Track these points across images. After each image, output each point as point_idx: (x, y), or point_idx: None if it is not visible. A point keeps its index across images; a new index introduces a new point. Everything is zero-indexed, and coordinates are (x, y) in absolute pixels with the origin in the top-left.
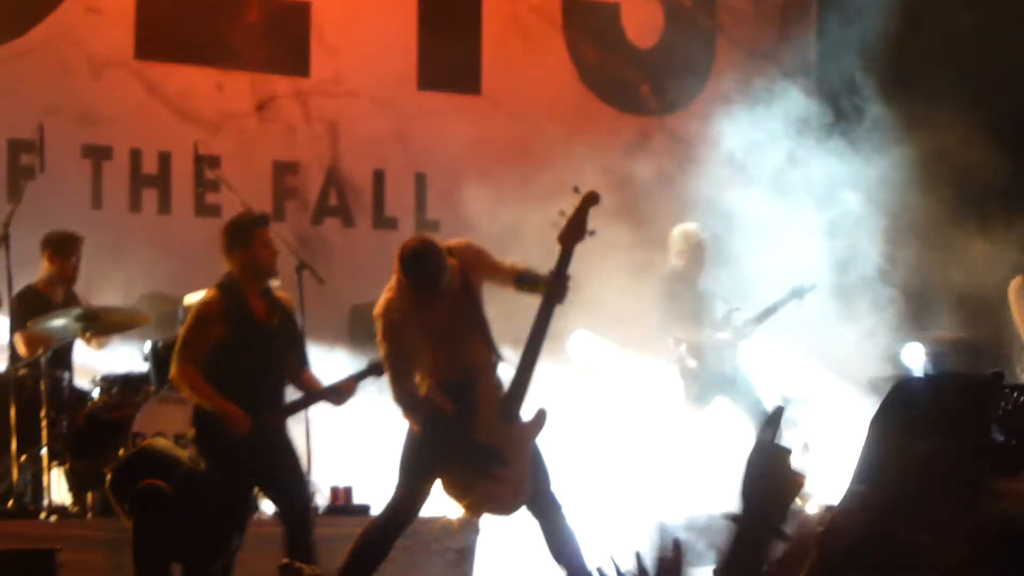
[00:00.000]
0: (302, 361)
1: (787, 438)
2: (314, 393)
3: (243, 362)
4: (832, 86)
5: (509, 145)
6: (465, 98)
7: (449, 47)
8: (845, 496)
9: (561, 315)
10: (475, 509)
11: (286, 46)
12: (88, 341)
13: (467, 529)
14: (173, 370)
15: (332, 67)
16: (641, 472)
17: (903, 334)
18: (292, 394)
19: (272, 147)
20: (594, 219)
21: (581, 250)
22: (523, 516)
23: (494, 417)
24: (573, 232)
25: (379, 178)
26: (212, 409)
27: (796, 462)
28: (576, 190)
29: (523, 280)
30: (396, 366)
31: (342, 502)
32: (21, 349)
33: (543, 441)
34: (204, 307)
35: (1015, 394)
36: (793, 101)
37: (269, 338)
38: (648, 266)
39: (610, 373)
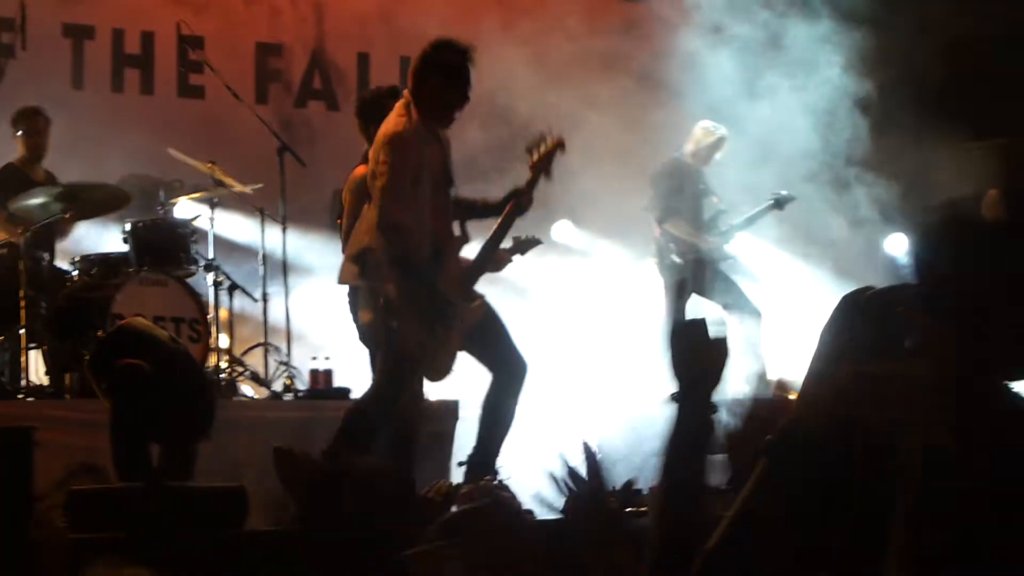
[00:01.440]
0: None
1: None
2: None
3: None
4: None
5: (496, 28)
6: None
7: None
8: (808, 379)
9: (545, 203)
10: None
11: None
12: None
13: (445, 413)
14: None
15: None
16: (610, 363)
17: (888, 223)
18: None
19: (256, 29)
20: (584, 103)
21: (568, 134)
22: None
23: (453, 286)
24: (539, 171)
25: (363, 61)
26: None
27: (714, 330)
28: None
29: None
30: (405, 186)
31: (322, 385)
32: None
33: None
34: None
35: None
36: None
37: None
38: (633, 158)
39: (589, 261)
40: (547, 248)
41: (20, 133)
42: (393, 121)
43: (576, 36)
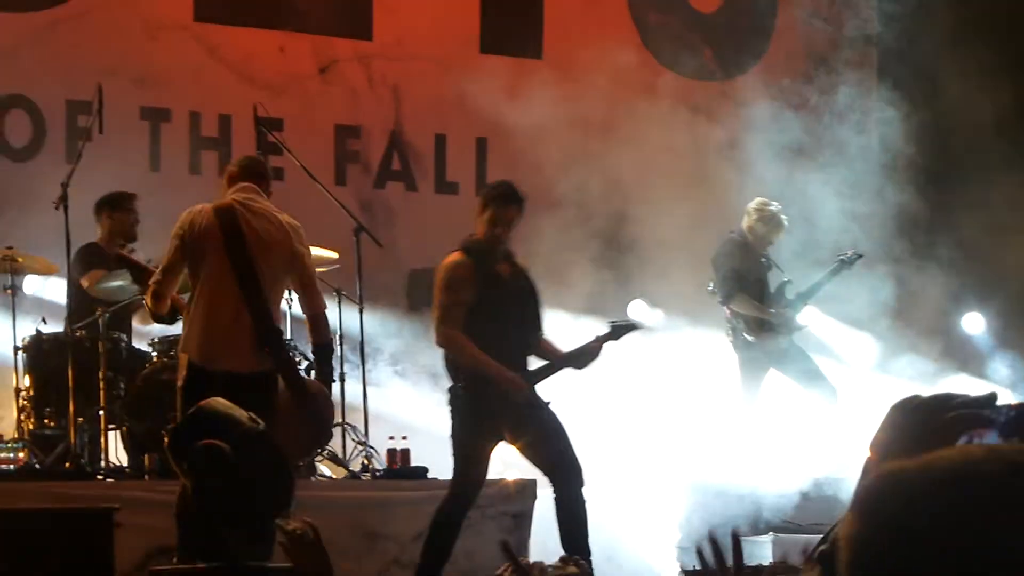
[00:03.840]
0: (540, 327)
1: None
2: (559, 359)
3: (496, 324)
4: (892, 50)
5: (570, 110)
6: (527, 62)
7: (511, 11)
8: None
9: (622, 283)
10: None
11: (349, 9)
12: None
13: (524, 494)
14: (438, 337)
15: (395, 30)
16: (685, 440)
17: (959, 302)
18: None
19: (334, 110)
20: (656, 188)
21: (642, 213)
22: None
23: None
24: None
25: (440, 142)
26: (489, 375)
27: None
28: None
29: None
30: None
31: (400, 465)
32: (86, 283)
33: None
34: (454, 270)
35: (1018, 405)
36: (852, 67)
37: (518, 298)
38: (709, 235)
39: (666, 339)
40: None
41: (114, 212)
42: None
43: (645, 112)
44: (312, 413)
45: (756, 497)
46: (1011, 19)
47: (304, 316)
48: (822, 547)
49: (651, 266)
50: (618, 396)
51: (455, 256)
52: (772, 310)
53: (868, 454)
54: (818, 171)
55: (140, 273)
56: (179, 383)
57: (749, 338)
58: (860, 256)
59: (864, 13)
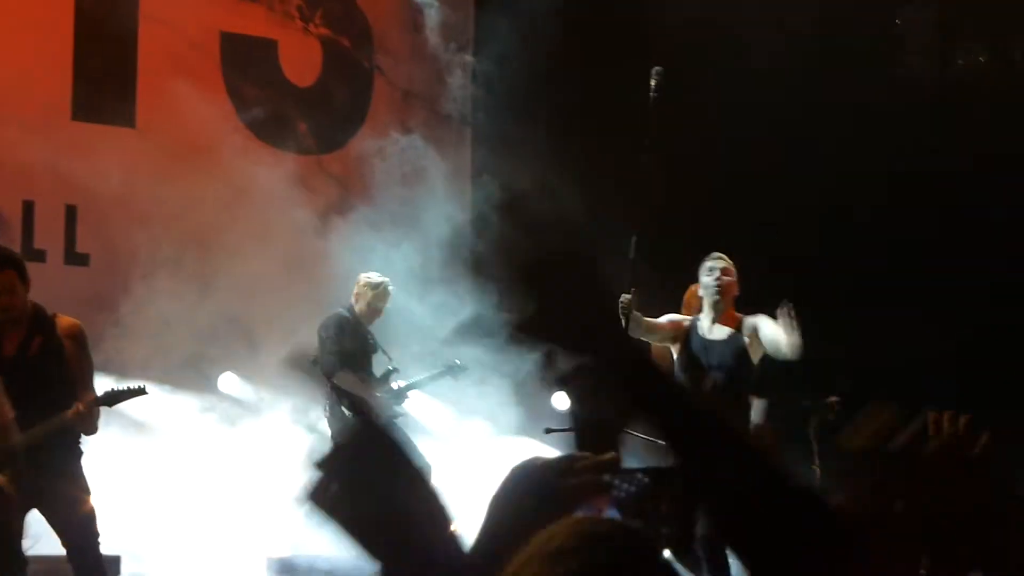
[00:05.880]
0: (82, 384)
1: None
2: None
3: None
4: (489, 127)
5: (164, 180)
6: (119, 130)
7: (104, 78)
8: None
9: (216, 358)
10: None
11: None
12: None
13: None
14: None
15: None
16: (265, 515)
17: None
18: None
19: None
20: (250, 259)
21: (237, 284)
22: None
23: None
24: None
25: (28, 209)
26: None
27: None
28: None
29: None
30: None
31: None
32: None
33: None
34: None
35: (637, 475)
36: (447, 144)
37: (17, 371)
38: (304, 309)
39: (256, 415)
40: (216, 400)
41: None
42: None
43: (240, 184)
44: None
45: (337, 569)
46: (617, 100)
47: None
48: None
49: (244, 339)
50: (195, 473)
51: None
52: (376, 393)
53: (485, 517)
54: (406, 251)
55: None
56: None
57: (346, 412)
58: (466, 369)
59: (457, 92)
